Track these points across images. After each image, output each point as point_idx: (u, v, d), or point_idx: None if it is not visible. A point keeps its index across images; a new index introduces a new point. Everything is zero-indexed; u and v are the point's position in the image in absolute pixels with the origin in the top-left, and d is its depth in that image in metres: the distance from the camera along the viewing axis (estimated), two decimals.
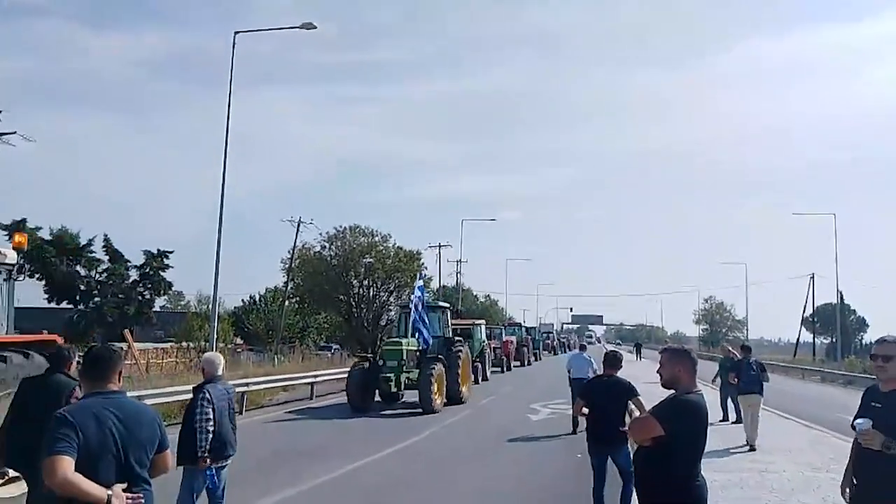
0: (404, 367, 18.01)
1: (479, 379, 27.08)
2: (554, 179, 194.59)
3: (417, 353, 18.92)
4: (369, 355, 19.98)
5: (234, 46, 21.86)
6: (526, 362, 42.74)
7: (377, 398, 18.84)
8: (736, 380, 13.18)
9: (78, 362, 3.57)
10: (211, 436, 6.24)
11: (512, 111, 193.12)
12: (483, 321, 35.00)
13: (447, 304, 25.65)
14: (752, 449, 11.72)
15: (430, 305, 22.17)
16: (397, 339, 19.34)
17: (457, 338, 21.74)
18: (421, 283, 21.10)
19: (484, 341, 30.81)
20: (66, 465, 3.02)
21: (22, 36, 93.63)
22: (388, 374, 17.71)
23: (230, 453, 6.47)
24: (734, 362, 14.60)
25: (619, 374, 7.84)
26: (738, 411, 14.29)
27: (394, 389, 18.10)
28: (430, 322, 20.32)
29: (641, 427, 4.08)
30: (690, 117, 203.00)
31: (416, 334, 19.01)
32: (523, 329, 48.26)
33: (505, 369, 36.18)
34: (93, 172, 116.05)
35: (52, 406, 4.21)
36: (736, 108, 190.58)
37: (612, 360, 7.82)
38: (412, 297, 19.87)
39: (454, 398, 18.70)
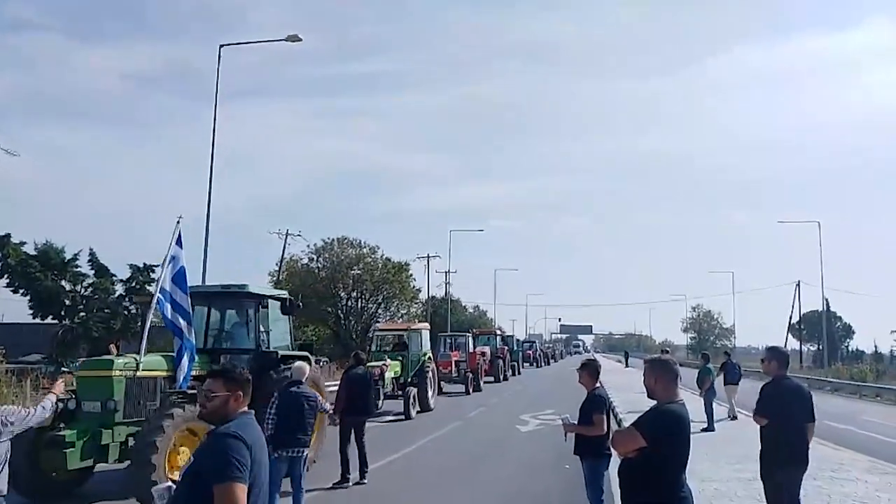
0: (117, 415, 8.99)
1: (413, 411, 18.97)
2: (543, 189, 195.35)
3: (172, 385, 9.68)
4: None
5: (219, 59, 21.87)
6: (501, 377, 36.43)
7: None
8: (724, 375, 18.06)
9: (243, 372, 3.35)
10: (272, 428, 7.72)
11: (503, 121, 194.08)
12: (426, 325, 24.95)
13: (270, 291, 12.78)
14: (734, 418, 17.14)
15: (215, 291, 12.05)
16: (104, 359, 9.78)
17: (299, 352, 11.92)
18: (177, 247, 10.12)
19: (426, 354, 21.99)
20: (244, 497, 2.84)
21: (8, 49, 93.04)
22: (68, 433, 8.52)
23: (297, 445, 7.87)
24: (706, 367, 17.80)
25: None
26: (712, 418, 15.97)
27: (78, 464, 8.57)
28: (225, 324, 12.02)
29: (624, 439, 4.07)
30: (678, 126, 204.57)
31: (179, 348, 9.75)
32: (498, 338, 41.65)
33: (471, 389, 27.94)
34: (80, 185, 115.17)
35: (364, 389, 10.76)
36: (724, 116, 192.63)
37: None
38: (161, 269, 10.16)
39: None
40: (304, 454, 7.98)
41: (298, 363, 8.94)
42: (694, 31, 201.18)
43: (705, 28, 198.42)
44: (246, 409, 3.19)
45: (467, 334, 33.99)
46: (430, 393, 21.24)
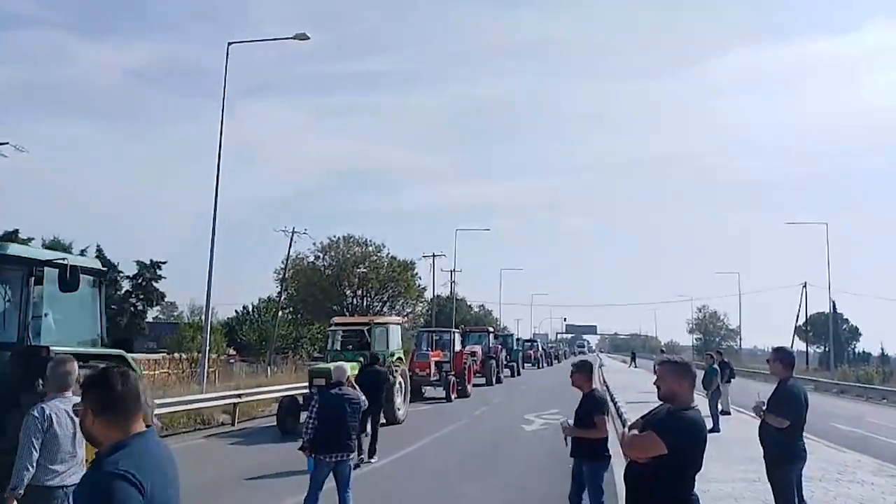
0: None
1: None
2: (545, 189, 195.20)
3: None
4: None
5: (227, 57, 21.89)
6: (493, 380, 32.51)
7: None
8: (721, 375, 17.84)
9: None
10: (311, 431, 7.40)
11: (506, 120, 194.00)
12: (397, 319, 22.27)
13: (43, 255, 8.42)
14: (728, 413, 17.44)
15: None
16: None
17: (108, 350, 8.51)
18: None
19: (395, 354, 18.73)
20: None
21: (10, 44, 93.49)
22: None
23: (341, 450, 7.37)
24: (711, 367, 17.94)
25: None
26: (717, 419, 15.95)
27: None
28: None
29: (643, 444, 3.78)
30: (684, 125, 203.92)
31: None
32: (490, 336, 37.33)
33: (454, 395, 23.96)
34: (85, 182, 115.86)
35: (378, 384, 12.11)
36: (730, 116, 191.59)
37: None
38: None
39: None
40: (351, 459, 7.54)
41: (338, 363, 8.26)
42: (695, 32, 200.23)
43: (706, 29, 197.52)
44: (141, 427, 2.36)
45: (454, 331, 29.55)
46: (397, 402, 17.39)
